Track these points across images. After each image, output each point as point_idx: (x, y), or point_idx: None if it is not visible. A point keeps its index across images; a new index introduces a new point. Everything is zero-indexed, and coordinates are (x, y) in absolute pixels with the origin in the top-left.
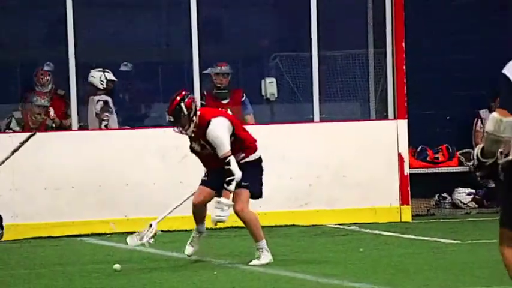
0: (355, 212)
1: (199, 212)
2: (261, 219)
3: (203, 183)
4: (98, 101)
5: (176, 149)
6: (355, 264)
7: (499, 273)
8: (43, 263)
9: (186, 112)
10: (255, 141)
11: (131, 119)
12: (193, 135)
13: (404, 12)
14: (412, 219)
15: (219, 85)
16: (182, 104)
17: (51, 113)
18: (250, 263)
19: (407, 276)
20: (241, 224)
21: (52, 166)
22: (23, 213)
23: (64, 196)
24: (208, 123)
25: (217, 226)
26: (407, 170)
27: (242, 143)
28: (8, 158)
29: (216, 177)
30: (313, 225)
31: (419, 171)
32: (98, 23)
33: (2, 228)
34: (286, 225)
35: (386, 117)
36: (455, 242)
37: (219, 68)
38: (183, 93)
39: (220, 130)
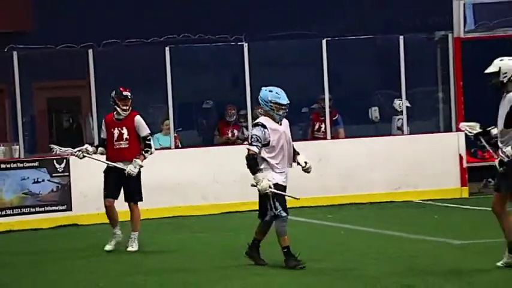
0: (433, 192)
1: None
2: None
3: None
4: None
5: None
6: (433, 225)
7: None
8: None
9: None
10: None
11: None
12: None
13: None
14: (469, 196)
15: None
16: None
17: None
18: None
19: (467, 230)
20: None
21: None
22: None
23: None
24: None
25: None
26: (465, 164)
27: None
28: None
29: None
30: (404, 201)
31: (473, 165)
32: None
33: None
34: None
35: (450, 131)
36: None
37: None
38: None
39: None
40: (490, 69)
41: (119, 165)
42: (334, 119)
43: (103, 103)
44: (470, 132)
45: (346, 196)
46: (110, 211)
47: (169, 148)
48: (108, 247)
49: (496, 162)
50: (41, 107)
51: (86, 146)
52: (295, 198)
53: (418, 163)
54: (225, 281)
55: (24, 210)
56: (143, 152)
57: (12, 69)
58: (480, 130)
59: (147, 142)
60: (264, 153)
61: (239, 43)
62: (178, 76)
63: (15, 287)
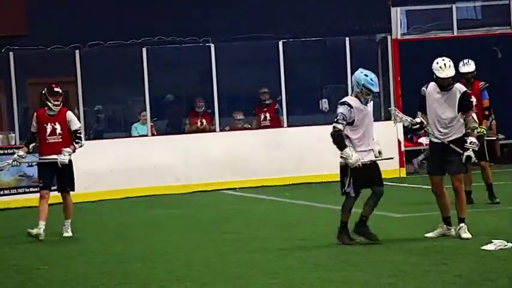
0: None
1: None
2: None
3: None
4: None
5: None
6: None
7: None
8: None
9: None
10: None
11: None
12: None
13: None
14: (406, 175)
15: None
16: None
17: None
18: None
19: (406, 205)
20: None
21: None
22: None
23: None
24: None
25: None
26: (403, 148)
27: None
28: None
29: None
30: None
31: (409, 148)
32: None
33: None
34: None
35: (390, 119)
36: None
37: None
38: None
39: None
40: (452, 73)
41: (51, 159)
42: (275, 108)
43: (88, 97)
44: (398, 118)
45: (301, 176)
46: (44, 203)
47: (146, 136)
48: (31, 230)
49: (469, 153)
50: (34, 100)
51: (17, 152)
52: (390, 158)
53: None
54: (197, 250)
55: (19, 190)
56: (74, 143)
57: (9, 68)
58: (418, 123)
59: (77, 135)
60: (348, 132)
61: (207, 44)
62: (153, 73)
63: (15, 260)
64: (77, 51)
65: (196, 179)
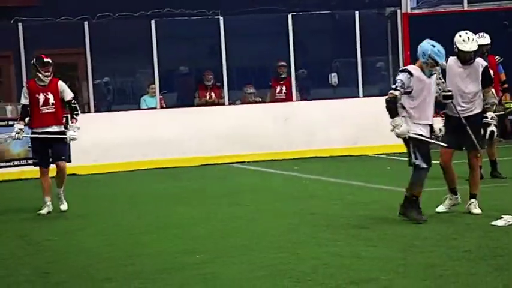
0: (385, 147)
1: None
2: None
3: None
4: None
5: None
6: (386, 175)
7: None
8: None
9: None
10: None
11: None
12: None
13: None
14: None
15: None
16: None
17: None
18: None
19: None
20: None
21: None
22: None
23: None
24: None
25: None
26: None
27: None
28: None
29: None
30: (360, 155)
31: None
32: None
33: None
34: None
35: None
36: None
37: None
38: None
39: None
40: (475, 47)
41: (49, 133)
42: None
43: (97, 69)
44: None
45: (310, 150)
46: (45, 178)
47: (155, 108)
48: (41, 211)
49: (492, 128)
50: None
51: (17, 125)
52: (443, 146)
53: (372, 122)
54: (207, 223)
55: (29, 161)
56: (74, 116)
57: (18, 39)
58: (450, 90)
59: (72, 105)
60: (405, 101)
61: (216, 17)
62: (162, 45)
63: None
64: (86, 23)
65: (206, 152)
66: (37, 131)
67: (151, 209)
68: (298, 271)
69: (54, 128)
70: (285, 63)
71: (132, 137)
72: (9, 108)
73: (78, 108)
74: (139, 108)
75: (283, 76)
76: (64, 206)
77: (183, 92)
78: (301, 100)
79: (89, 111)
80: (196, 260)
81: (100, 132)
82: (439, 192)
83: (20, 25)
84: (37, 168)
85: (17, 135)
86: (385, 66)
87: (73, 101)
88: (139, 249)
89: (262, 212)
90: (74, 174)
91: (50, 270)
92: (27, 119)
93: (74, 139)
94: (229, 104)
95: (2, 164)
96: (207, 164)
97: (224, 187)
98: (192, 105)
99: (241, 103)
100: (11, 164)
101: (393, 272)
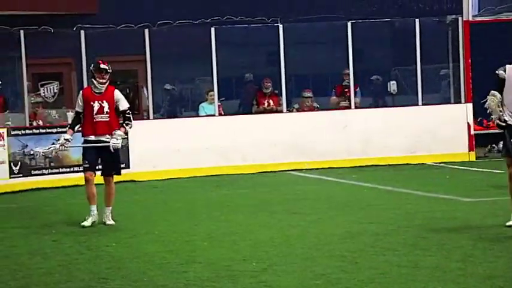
0: (444, 156)
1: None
2: None
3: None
4: None
5: None
6: (445, 184)
7: None
8: None
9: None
10: None
11: None
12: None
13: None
14: (476, 159)
15: None
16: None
17: None
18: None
19: (475, 189)
20: None
21: None
22: None
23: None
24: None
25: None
26: (472, 131)
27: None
28: None
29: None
30: (419, 164)
31: (479, 132)
32: None
33: None
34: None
35: (460, 102)
36: (501, 171)
37: None
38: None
39: None
40: None
41: (98, 141)
42: (355, 90)
43: (157, 76)
44: (494, 105)
45: (368, 159)
46: (91, 186)
47: (214, 115)
48: (85, 223)
49: None
50: None
51: (63, 136)
52: None
53: (431, 130)
54: (264, 230)
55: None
56: (124, 125)
57: (79, 46)
58: (505, 121)
59: (127, 115)
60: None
61: (275, 24)
62: (221, 52)
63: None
64: (146, 30)
65: (263, 159)
66: (89, 139)
67: (208, 216)
68: (356, 280)
69: (107, 138)
70: (349, 71)
71: (190, 144)
72: (70, 114)
73: (131, 119)
74: (197, 115)
75: (347, 84)
76: (110, 222)
77: (242, 99)
78: (376, 107)
79: (148, 118)
80: (253, 268)
81: (158, 138)
82: (498, 202)
83: (81, 32)
84: (97, 173)
85: (61, 147)
86: (446, 74)
87: (128, 111)
88: (196, 256)
89: (319, 220)
90: (133, 181)
91: (108, 276)
92: (77, 127)
93: (116, 147)
94: (287, 111)
95: (62, 170)
96: (264, 172)
97: (281, 195)
98: (250, 113)
99: (299, 107)
100: (71, 170)
101: (452, 283)
